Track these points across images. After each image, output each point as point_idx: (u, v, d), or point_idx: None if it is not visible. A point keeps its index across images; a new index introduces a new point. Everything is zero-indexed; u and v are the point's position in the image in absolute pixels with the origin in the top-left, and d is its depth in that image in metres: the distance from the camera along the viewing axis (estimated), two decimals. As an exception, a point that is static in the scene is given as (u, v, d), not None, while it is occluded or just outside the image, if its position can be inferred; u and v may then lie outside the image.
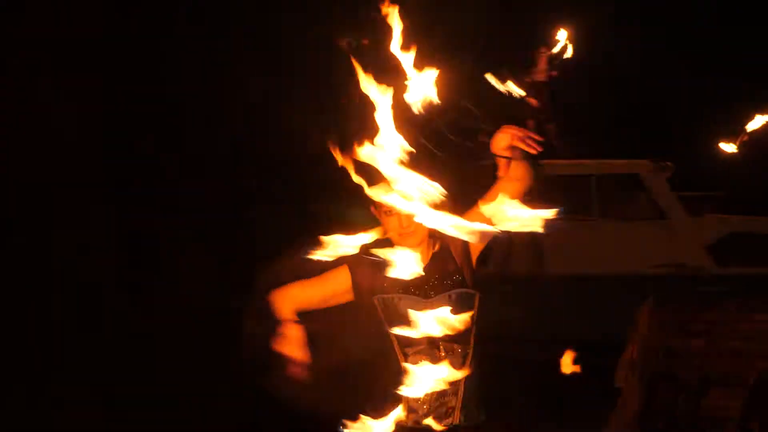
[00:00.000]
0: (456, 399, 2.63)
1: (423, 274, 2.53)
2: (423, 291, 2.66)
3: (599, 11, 9.11)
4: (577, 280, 6.89)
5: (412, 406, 2.59)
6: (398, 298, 2.65)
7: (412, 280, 2.57)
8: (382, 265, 2.49)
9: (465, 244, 2.69)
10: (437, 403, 2.62)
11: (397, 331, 2.52)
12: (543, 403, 5.37)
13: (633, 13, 10.38)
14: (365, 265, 2.68)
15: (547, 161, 7.38)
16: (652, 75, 10.30)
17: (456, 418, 2.63)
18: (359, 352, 2.76)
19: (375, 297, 2.68)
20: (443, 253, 2.72)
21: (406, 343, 2.63)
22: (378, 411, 2.39)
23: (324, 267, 2.63)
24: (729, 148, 5.60)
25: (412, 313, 2.37)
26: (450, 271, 2.69)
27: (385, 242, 2.64)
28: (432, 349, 2.62)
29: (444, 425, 2.60)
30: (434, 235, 2.72)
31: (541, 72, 7.47)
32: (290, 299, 2.71)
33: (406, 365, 2.44)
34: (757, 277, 6.72)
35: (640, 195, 7.41)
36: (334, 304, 2.77)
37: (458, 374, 2.50)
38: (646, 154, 7.63)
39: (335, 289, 2.74)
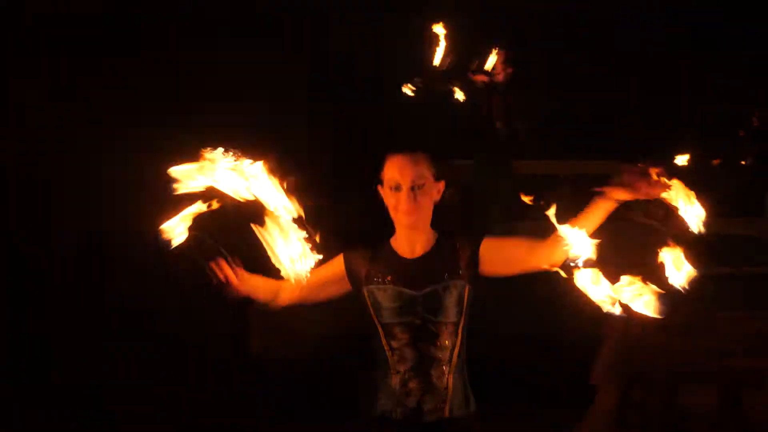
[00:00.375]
0: (445, 391, 2.65)
1: (418, 259, 2.68)
2: (417, 280, 2.67)
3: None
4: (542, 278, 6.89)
5: (400, 399, 2.64)
6: (385, 288, 2.67)
7: (406, 269, 2.67)
8: (379, 252, 2.71)
9: (475, 248, 2.69)
10: (426, 395, 2.64)
11: (384, 320, 2.64)
12: (519, 401, 5.39)
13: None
14: (361, 253, 2.74)
15: (520, 162, 7.41)
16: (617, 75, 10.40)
17: (445, 411, 2.65)
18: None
19: (365, 287, 2.69)
20: (447, 246, 2.73)
21: (392, 334, 2.66)
22: (368, 403, 2.61)
23: None
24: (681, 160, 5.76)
25: (398, 303, 2.61)
26: (449, 265, 2.69)
27: (384, 231, 2.73)
28: (419, 341, 2.64)
29: (433, 417, 2.64)
30: (441, 229, 2.76)
31: (498, 72, 7.42)
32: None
33: (393, 357, 2.63)
34: (724, 277, 6.87)
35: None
36: (334, 293, 2.79)
37: (445, 367, 2.63)
38: (617, 155, 7.67)
39: (328, 274, 2.75)
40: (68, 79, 6.46)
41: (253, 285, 2.68)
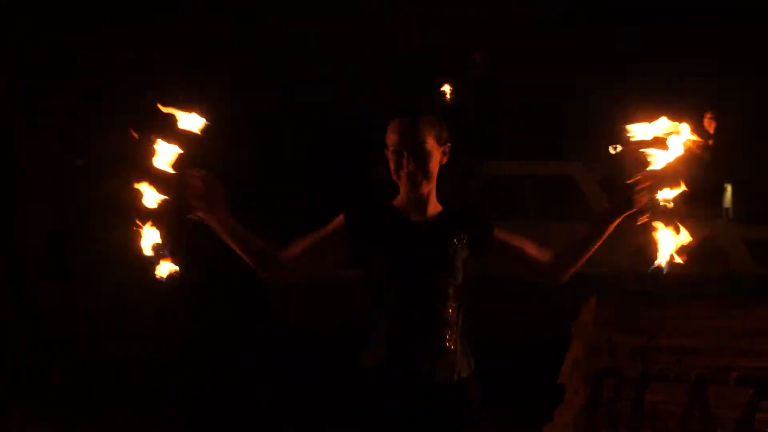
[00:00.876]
0: (454, 353, 2.67)
1: (427, 222, 2.69)
2: (430, 242, 2.67)
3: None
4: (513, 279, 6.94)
5: (413, 361, 2.62)
6: (400, 250, 2.65)
7: (419, 231, 2.68)
8: (386, 214, 2.70)
9: (487, 233, 2.73)
10: (440, 357, 2.64)
11: (401, 282, 2.62)
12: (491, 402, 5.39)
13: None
14: (366, 214, 2.73)
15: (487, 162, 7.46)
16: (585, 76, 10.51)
17: (454, 373, 2.67)
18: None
19: (378, 248, 2.66)
20: (453, 214, 2.75)
21: (407, 295, 2.65)
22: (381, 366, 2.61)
23: None
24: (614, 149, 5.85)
25: (414, 264, 2.61)
26: (455, 230, 2.70)
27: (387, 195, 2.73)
28: (433, 302, 2.64)
29: (444, 379, 2.65)
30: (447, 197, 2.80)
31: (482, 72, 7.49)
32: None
33: (406, 319, 2.62)
34: (681, 276, 6.97)
35: (573, 196, 7.54)
36: (332, 261, 2.76)
37: (454, 328, 2.67)
38: (579, 156, 7.78)
39: (328, 232, 2.73)
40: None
41: (234, 226, 2.64)
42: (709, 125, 10.08)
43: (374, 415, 2.61)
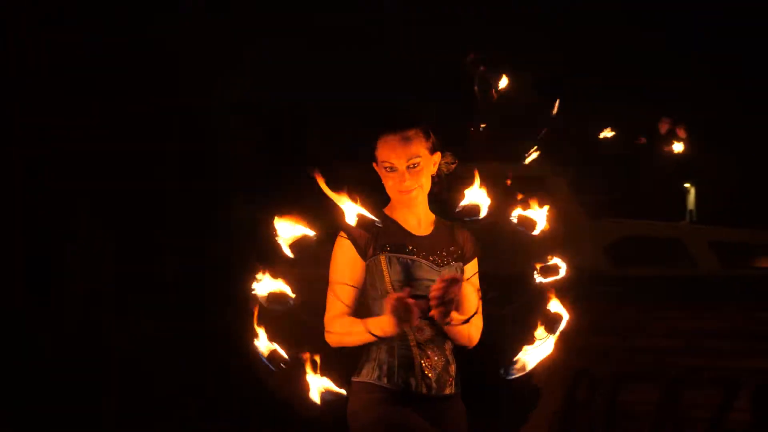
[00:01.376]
0: (454, 366, 2.58)
1: (427, 236, 2.59)
2: (433, 255, 2.57)
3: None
4: (482, 281, 6.98)
5: (419, 373, 2.52)
6: (411, 259, 2.54)
7: (422, 244, 2.57)
8: (384, 223, 2.52)
9: (472, 241, 2.66)
10: (444, 369, 2.55)
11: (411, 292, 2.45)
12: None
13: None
14: (361, 224, 2.44)
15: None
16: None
17: (453, 387, 2.57)
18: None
19: (383, 254, 2.54)
20: (448, 231, 2.64)
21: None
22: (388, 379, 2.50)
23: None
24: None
25: (423, 275, 2.50)
26: (452, 249, 2.61)
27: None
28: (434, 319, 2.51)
29: (447, 391, 2.55)
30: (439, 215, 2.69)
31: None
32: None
33: (413, 331, 2.50)
34: (650, 279, 7.09)
35: (543, 198, 7.57)
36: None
37: (450, 342, 2.56)
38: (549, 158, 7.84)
39: (350, 258, 2.56)
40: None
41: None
42: (677, 132, 10.24)
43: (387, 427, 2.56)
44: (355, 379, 2.56)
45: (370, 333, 2.46)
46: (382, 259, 2.55)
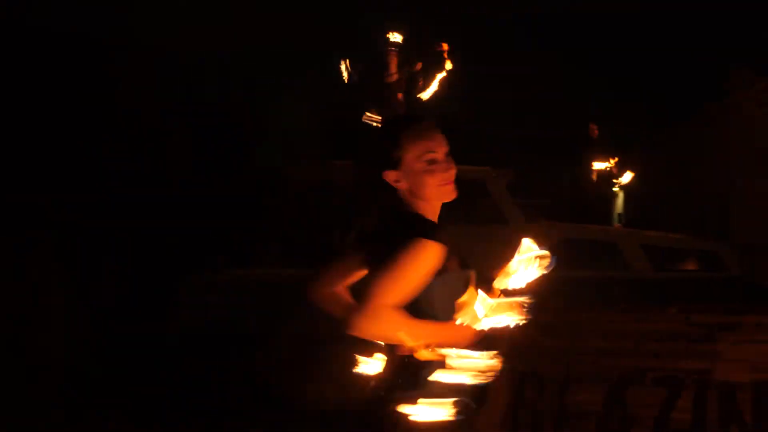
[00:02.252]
0: (384, 377, 2.52)
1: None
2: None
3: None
4: None
5: (355, 383, 2.52)
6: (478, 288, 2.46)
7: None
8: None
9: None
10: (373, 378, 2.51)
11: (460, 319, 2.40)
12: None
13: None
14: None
15: None
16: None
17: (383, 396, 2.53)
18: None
19: (470, 270, 2.47)
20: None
21: None
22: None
23: None
24: None
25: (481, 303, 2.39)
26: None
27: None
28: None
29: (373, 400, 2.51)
30: None
31: (392, 74, 7.49)
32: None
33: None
34: (582, 280, 7.24)
35: (484, 200, 7.65)
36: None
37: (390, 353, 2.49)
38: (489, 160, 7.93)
39: (433, 269, 2.42)
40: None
41: None
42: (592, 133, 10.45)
43: None
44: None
45: (441, 338, 2.35)
46: (472, 274, 2.49)
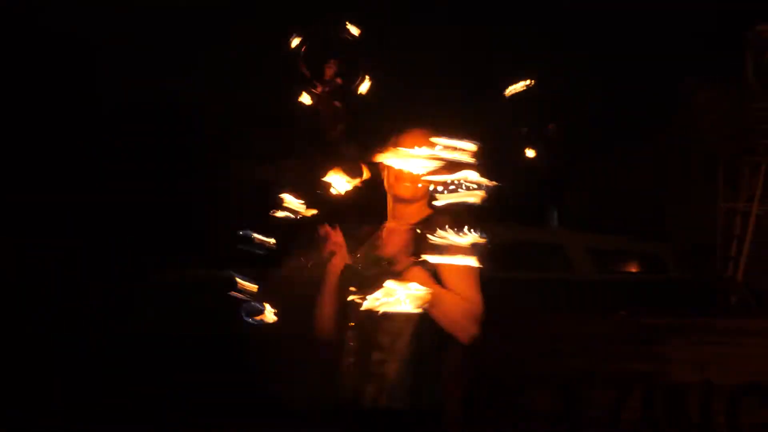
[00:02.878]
0: (405, 382, 2.49)
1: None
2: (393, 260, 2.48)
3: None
4: None
5: (361, 386, 2.48)
6: (362, 266, 2.56)
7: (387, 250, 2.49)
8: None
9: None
10: (385, 383, 2.47)
11: (352, 298, 2.47)
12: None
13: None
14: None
15: None
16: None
17: (406, 403, 2.49)
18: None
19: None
20: (421, 236, 2.51)
21: (357, 317, 2.50)
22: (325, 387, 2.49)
23: None
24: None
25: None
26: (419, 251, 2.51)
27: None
28: (364, 323, 2.49)
29: (393, 407, 2.47)
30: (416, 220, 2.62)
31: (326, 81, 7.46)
32: None
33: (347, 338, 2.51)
34: (532, 282, 7.33)
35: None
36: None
37: (406, 355, 2.48)
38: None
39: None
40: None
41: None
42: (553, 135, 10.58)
43: None
44: None
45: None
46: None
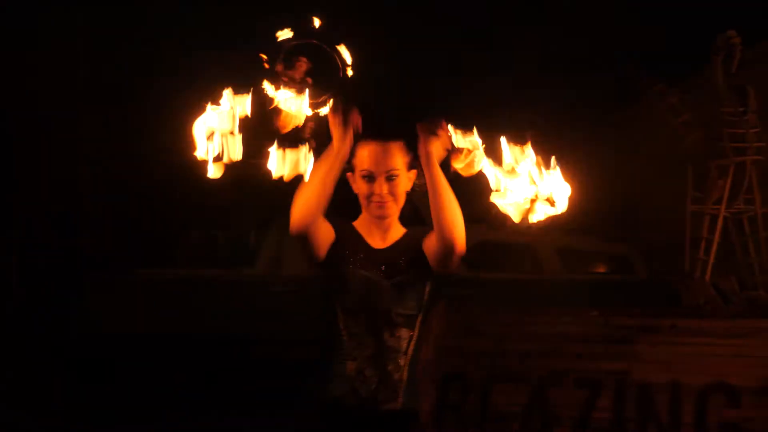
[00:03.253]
0: (399, 383, 2.58)
1: (386, 249, 2.60)
2: (383, 269, 2.60)
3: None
4: None
5: (355, 386, 2.55)
6: (353, 273, 2.58)
7: (374, 257, 2.59)
8: (346, 235, 2.60)
9: (436, 243, 2.63)
10: (381, 384, 2.55)
11: (347, 305, 2.55)
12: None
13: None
14: (349, 232, 2.62)
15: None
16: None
17: (399, 402, 2.57)
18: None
19: (333, 268, 2.59)
20: (413, 241, 2.66)
21: (353, 320, 2.58)
22: (323, 387, 2.53)
23: None
24: None
25: (364, 290, 2.53)
26: (414, 258, 2.62)
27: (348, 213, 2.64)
28: (379, 330, 2.56)
29: (387, 407, 2.56)
30: (409, 223, 2.73)
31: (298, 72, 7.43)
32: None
33: (351, 343, 2.56)
34: (502, 282, 7.34)
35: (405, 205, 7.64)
36: (315, 249, 2.59)
37: (401, 358, 2.57)
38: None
39: (325, 230, 2.59)
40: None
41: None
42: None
43: None
44: None
45: None
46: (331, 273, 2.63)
